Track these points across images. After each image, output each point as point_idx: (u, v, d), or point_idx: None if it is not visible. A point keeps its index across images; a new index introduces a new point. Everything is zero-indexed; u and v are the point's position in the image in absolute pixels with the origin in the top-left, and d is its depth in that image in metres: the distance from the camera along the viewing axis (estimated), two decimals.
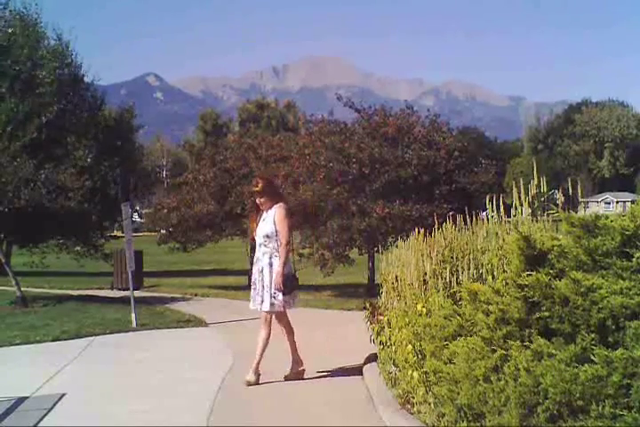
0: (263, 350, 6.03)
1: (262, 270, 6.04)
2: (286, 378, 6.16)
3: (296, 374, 6.23)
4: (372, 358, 6.64)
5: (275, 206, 6.13)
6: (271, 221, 6.07)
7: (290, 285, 6.01)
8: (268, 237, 6.07)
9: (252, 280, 6.18)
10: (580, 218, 3.55)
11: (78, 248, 16.17)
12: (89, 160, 13.97)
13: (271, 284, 5.96)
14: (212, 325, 10.25)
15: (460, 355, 3.77)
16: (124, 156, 16.54)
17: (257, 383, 5.92)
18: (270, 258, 6.04)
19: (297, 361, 6.29)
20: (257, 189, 6.18)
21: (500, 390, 3.38)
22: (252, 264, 6.16)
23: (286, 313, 6.21)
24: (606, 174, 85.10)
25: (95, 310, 11.91)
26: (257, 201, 6.21)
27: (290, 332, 6.27)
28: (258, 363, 5.98)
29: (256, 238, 6.19)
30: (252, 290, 6.17)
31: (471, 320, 3.95)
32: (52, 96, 14.18)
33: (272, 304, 5.99)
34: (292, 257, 6.55)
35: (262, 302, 6.01)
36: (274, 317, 6.13)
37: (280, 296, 5.98)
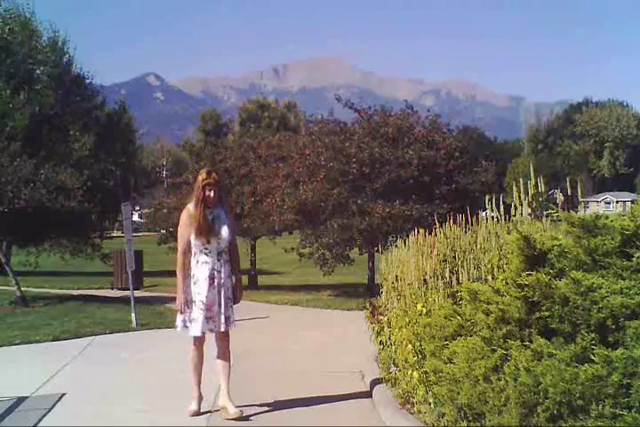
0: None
1: (224, 283, 5.07)
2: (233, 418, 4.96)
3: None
4: (372, 357, 6.64)
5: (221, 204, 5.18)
6: (227, 222, 5.13)
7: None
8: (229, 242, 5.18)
9: (203, 297, 5.02)
10: (580, 218, 3.55)
11: (75, 245, 16.13)
12: (87, 152, 13.92)
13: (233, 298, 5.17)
14: None
15: (460, 355, 3.77)
16: (122, 147, 16.51)
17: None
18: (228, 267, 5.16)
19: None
20: (211, 180, 5.05)
21: (500, 389, 3.37)
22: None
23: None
24: (606, 174, 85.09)
25: (95, 310, 11.92)
26: (209, 195, 5.03)
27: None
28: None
29: (204, 244, 5.04)
30: (205, 310, 5.03)
31: (471, 320, 3.95)
32: (50, 90, 14.17)
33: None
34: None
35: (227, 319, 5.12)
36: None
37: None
